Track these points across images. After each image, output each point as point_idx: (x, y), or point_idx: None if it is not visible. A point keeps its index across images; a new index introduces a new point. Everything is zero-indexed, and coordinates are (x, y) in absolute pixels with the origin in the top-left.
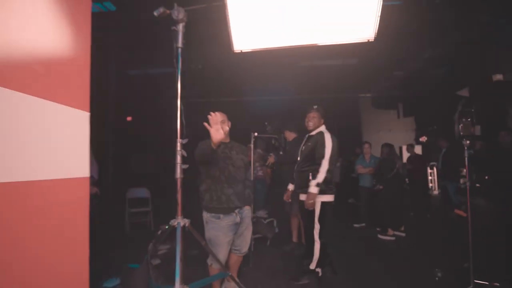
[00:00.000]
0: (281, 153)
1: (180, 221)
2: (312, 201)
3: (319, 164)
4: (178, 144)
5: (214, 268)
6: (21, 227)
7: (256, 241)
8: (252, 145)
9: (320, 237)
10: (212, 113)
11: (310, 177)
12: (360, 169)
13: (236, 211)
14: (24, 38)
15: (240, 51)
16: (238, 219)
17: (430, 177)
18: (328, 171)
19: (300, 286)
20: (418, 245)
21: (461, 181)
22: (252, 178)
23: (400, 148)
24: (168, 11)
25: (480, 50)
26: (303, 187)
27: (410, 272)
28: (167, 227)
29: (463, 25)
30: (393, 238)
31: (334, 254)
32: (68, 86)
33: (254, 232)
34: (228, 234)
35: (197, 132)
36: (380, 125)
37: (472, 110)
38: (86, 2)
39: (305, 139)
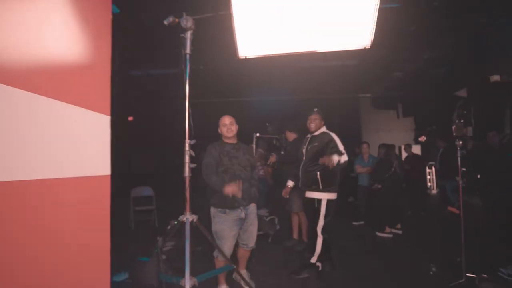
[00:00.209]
0: (282, 153)
1: (188, 217)
2: (333, 162)
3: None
4: (187, 145)
5: (219, 260)
6: (54, 219)
7: (258, 238)
8: (254, 145)
9: (322, 232)
10: (235, 187)
11: (318, 176)
12: (359, 168)
13: (241, 207)
14: (53, 47)
15: (244, 57)
16: (243, 215)
17: (428, 177)
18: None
19: (301, 279)
20: (414, 242)
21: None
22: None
23: (399, 148)
24: (177, 20)
25: (478, 51)
26: (310, 185)
27: (406, 267)
28: (176, 222)
29: (461, 27)
30: (390, 236)
31: (333, 251)
32: (93, 93)
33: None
34: (233, 228)
35: (198, 132)
36: (379, 125)
37: (464, 112)
38: (106, 12)
39: (308, 140)
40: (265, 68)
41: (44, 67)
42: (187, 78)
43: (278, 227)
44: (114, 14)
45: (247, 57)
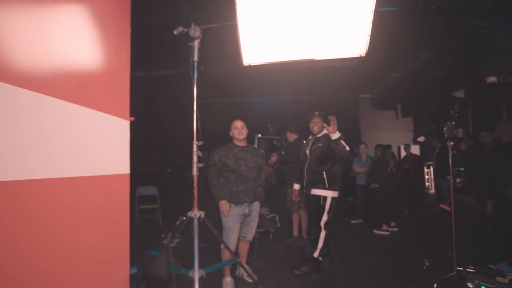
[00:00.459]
0: (283, 153)
1: (196, 213)
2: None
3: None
4: (195, 146)
5: (225, 253)
6: (86, 210)
7: (260, 235)
8: (256, 146)
9: (325, 227)
10: (227, 208)
11: (325, 176)
12: (357, 168)
13: (246, 204)
14: (79, 57)
15: (248, 65)
16: (247, 211)
17: (427, 176)
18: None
19: (304, 274)
20: (410, 238)
21: (453, 178)
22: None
23: (398, 148)
24: (186, 30)
25: (475, 53)
26: (317, 184)
27: (401, 262)
28: (184, 218)
29: (458, 29)
30: (387, 233)
31: (332, 247)
32: (116, 102)
33: (258, 227)
34: (237, 221)
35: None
36: (379, 126)
37: (456, 114)
38: (126, 26)
39: (311, 141)
40: (266, 70)
41: (77, 79)
42: (195, 83)
43: (279, 224)
44: None
45: (251, 64)
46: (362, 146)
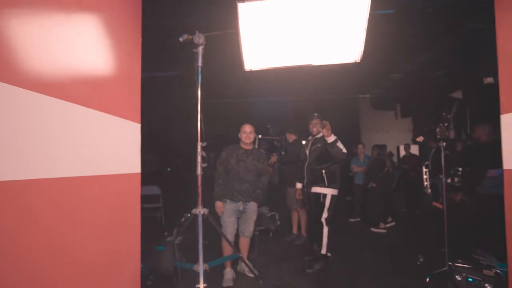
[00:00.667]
0: (283, 153)
1: (200, 210)
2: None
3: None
4: (199, 146)
5: (226, 246)
6: (102, 206)
7: (260, 232)
8: (256, 147)
9: (327, 223)
10: (220, 208)
11: (324, 174)
12: (355, 168)
13: (241, 202)
14: (92, 64)
15: (250, 70)
16: (241, 208)
17: (425, 176)
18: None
19: (317, 272)
20: (406, 236)
21: (451, 177)
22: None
23: (398, 148)
24: (191, 37)
25: (472, 55)
26: (317, 182)
27: (397, 259)
28: (189, 215)
29: (455, 31)
30: (384, 231)
31: (331, 245)
32: (129, 106)
33: (258, 225)
34: (231, 215)
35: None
36: (378, 126)
37: (448, 116)
38: (137, 35)
39: (311, 142)
40: (267, 72)
41: (92, 85)
42: (199, 87)
43: (278, 222)
44: None
45: (252, 70)
46: (360, 146)
